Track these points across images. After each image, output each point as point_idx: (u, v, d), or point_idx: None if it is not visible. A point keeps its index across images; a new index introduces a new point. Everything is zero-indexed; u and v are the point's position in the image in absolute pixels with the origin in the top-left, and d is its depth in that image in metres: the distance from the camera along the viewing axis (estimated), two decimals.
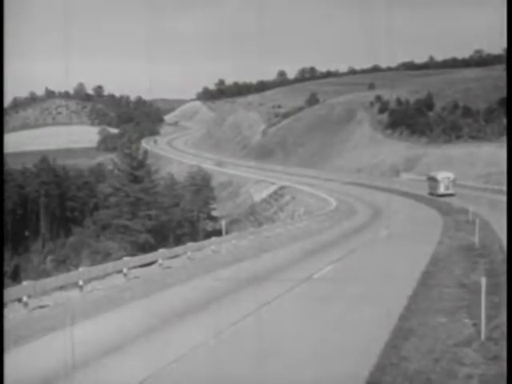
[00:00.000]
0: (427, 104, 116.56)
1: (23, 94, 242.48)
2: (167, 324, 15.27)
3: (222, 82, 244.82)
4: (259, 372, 11.54)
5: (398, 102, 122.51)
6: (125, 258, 24.26)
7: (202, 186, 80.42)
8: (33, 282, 18.81)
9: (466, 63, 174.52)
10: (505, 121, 78.68)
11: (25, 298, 17.60)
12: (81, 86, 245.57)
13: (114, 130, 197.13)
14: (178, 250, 29.44)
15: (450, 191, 66.61)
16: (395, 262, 23.29)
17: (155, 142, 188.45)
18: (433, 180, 70.35)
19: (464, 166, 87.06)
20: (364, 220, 48.64)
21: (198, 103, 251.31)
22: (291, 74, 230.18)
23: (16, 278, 41.70)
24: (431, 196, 67.22)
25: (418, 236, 36.12)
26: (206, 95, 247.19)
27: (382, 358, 12.06)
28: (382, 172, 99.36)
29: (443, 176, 69.20)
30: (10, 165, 75.19)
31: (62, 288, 20.05)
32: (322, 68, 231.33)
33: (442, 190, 67.32)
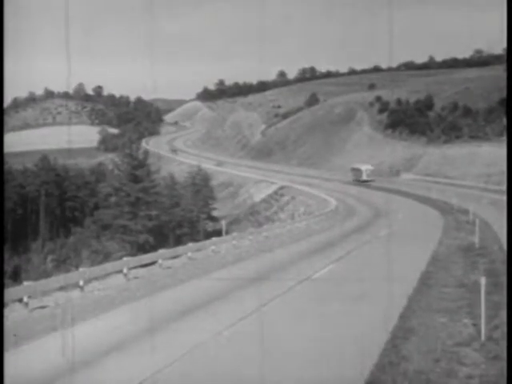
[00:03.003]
0: (427, 104, 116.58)
1: (23, 94, 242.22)
2: (166, 325, 15.28)
3: (221, 82, 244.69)
4: (257, 370, 11.55)
5: (398, 102, 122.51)
6: (125, 258, 24.27)
7: (202, 185, 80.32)
8: (33, 283, 18.83)
9: (466, 63, 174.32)
10: (504, 121, 78.76)
11: (25, 299, 17.62)
12: (80, 86, 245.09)
13: (114, 130, 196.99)
14: (178, 250, 29.46)
15: (371, 178, 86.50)
16: (395, 261, 23.27)
17: (175, 152, 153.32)
18: (357, 170, 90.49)
19: (464, 165, 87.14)
20: (364, 220, 48.65)
21: (198, 103, 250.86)
22: (291, 74, 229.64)
23: (16, 278, 41.62)
24: (356, 182, 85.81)
25: (418, 235, 36.15)
26: (206, 95, 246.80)
27: (382, 358, 12.08)
28: (381, 172, 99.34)
29: (365, 167, 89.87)
30: (11, 164, 75.14)
31: (62, 288, 20.05)
32: (322, 68, 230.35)
33: (364, 177, 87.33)
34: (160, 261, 25.50)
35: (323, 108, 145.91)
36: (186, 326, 15.26)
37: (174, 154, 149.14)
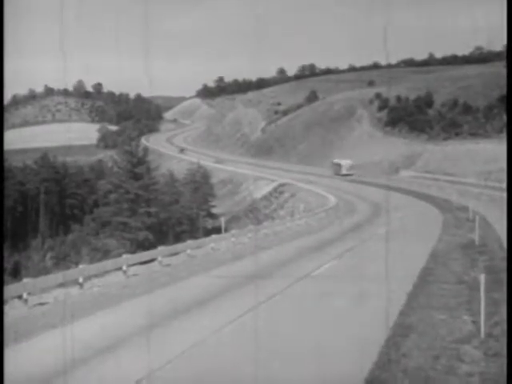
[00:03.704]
0: (427, 101, 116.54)
1: (22, 91, 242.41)
2: (165, 322, 15.27)
3: (221, 80, 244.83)
4: (256, 368, 11.56)
5: (398, 99, 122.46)
6: (124, 256, 24.27)
7: (201, 183, 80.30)
8: (33, 280, 18.83)
9: (466, 60, 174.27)
10: (504, 118, 78.76)
11: (25, 295, 17.62)
12: (80, 84, 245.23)
13: (113, 127, 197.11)
14: (178, 247, 29.46)
15: (350, 172, 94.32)
16: (395, 258, 23.28)
17: (183, 151, 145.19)
18: (337, 165, 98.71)
19: (464, 162, 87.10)
20: (363, 217, 48.68)
21: (197, 100, 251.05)
22: (291, 71, 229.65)
23: (16, 275, 41.61)
24: (336, 175, 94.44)
25: (417, 233, 36.17)
26: (206, 92, 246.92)
27: (382, 355, 12.07)
28: (381, 169, 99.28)
29: (345, 162, 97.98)
30: (10, 162, 75.10)
31: (61, 285, 20.05)
32: (321, 65, 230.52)
33: (344, 171, 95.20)
34: (159, 258, 25.50)
35: (323, 105, 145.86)
36: (186, 324, 15.25)
37: (182, 153, 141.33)
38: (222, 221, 49.41)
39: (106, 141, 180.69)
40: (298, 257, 27.14)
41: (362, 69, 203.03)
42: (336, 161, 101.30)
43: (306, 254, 27.88)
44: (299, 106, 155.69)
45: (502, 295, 15.69)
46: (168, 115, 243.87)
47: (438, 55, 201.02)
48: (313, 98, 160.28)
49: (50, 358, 12.33)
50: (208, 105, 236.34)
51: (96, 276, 21.87)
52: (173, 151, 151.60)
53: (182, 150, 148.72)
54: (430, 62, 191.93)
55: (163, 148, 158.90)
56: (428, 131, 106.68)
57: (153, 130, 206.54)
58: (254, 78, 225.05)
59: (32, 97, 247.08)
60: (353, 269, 23.70)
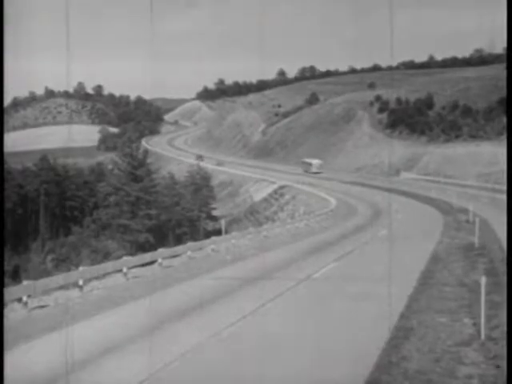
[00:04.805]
0: (427, 103, 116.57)
1: (23, 93, 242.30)
2: (165, 324, 15.25)
3: (221, 82, 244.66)
4: (256, 370, 11.55)
5: (398, 101, 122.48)
6: (125, 258, 24.23)
7: (201, 185, 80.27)
8: (33, 282, 18.77)
9: (466, 62, 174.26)
10: (504, 120, 78.76)
11: (25, 298, 17.58)
12: (80, 86, 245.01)
13: (114, 130, 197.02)
14: (178, 249, 29.44)
15: (319, 171, 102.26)
16: (395, 261, 23.27)
17: (200, 158, 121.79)
18: (307, 164, 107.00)
19: (464, 165, 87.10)
20: (363, 220, 48.61)
21: (197, 102, 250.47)
22: (291, 73, 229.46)
23: (16, 277, 41.55)
24: (305, 173, 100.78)
25: (418, 235, 36.14)
26: (206, 94, 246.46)
27: (382, 358, 12.05)
28: (381, 171, 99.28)
29: (314, 162, 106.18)
30: (10, 164, 75.04)
31: (62, 287, 20.01)
32: (322, 67, 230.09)
33: (314, 170, 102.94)
34: (160, 260, 25.49)
35: (323, 107, 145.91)
36: (186, 326, 15.23)
37: (200, 160, 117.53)
38: (223, 223, 49.38)
39: (106, 143, 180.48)
40: (299, 259, 27.09)
41: (363, 71, 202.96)
42: (306, 160, 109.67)
43: (306, 257, 27.84)
44: (300, 108, 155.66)
45: (503, 298, 15.69)
46: (168, 117, 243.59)
47: (438, 57, 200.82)
48: (313, 100, 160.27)
49: (50, 361, 12.31)
50: (209, 107, 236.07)
51: (96, 278, 21.84)
52: (178, 156, 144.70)
53: (199, 157, 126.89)
54: (430, 65, 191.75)
55: (164, 151, 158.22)
56: (428, 133, 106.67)
57: (153, 132, 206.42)
58: (254, 80, 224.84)
59: (32, 99, 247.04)
60: (353, 271, 23.68)
